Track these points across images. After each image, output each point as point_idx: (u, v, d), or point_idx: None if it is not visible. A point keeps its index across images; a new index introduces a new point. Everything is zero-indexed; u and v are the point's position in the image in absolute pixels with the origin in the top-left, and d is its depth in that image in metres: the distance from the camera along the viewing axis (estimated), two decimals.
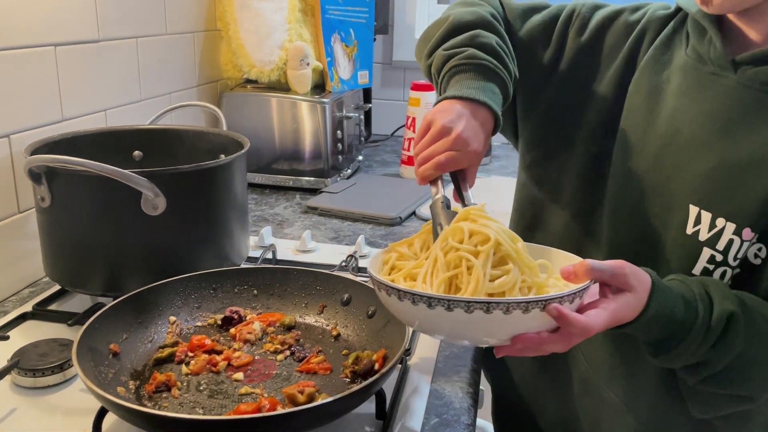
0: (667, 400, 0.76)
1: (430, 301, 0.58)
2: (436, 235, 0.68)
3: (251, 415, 0.60)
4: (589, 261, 0.61)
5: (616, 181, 0.77)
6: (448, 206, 0.71)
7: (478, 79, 0.76)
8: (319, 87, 1.60)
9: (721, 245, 0.68)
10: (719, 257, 0.69)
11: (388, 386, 0.74)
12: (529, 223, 0.90)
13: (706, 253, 0.69)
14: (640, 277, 0.63)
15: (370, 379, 0.62)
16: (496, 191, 1.59)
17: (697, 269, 0.70)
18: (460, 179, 0.74)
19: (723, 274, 0.69)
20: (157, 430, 0.60)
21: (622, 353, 0.79)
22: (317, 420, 0.62)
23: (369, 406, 0.70)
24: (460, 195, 0.74)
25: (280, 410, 0.61)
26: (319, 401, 0.60)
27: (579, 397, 0.85)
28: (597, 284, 0.63)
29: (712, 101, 0.69)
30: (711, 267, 0.69)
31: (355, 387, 0.61)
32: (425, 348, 0.86)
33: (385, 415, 0.70)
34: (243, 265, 0.99)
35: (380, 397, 0.69)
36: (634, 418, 0.78)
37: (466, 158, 0.71)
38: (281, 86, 1.56)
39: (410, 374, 0.80)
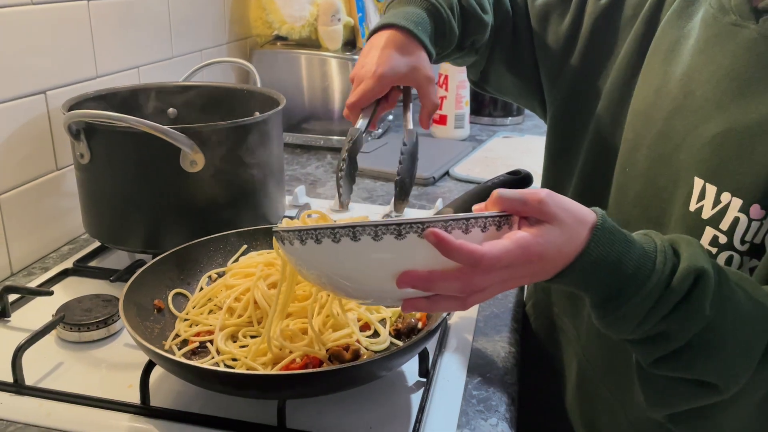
0: None
1: (301, 235, 0.50)
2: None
3: (300, 371, 0.60)
4: (500, 190, 0.51)
5: (624, 151, 0.71)
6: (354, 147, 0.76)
7: (396, 7, 0.78)
8: (350, 43, 1.57)
9: (725, 224, 0.58)
10: (723, 238, 0.58)
11: (430, 345, 0.73)
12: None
13: (709, 233, 0.59)
14: (571, 209, 0.51)
15: (417, 336, 0.62)
16: (530, 152, 1.56)
17: None
18: (404, 106, 0.78)
19: (729, 259, 0.58)
20: (207, 384, 0.60)
21: (618, 347, 0.70)
22: (363, 377, 0.62)
23: (411, 365, 0.70)
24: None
25: (327, 367, 0.61)
26: (366, 359, 0.60)
27: (574, 391, 0.81)
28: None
29: (730, 57, 0.61)
30: (714, 250, 0.58)
31: (402, 344, 0.61)
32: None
33: (428, 373, 0.69)
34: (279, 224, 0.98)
35: (423, 355, 0.69)
36: (626, 416, 0.71)
37: (370, 85, 0.74)
38: (312, 43, 1.53)
39: (451, 333, 0.80)
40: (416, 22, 0.76)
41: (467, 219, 0.48)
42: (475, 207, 0.53)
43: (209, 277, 0.79)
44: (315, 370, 0.60)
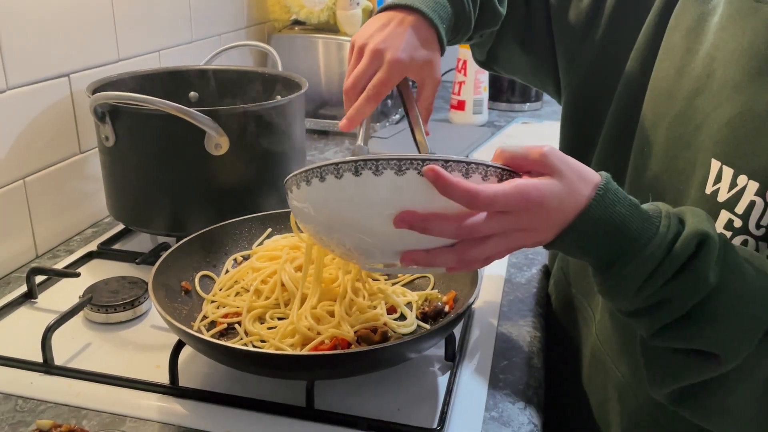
0: None
1: (307, 175, 0.51)
2: None
3: (329, 352, 0.60)
4: (505, 146, 0.51)
5: (641, 131, 0.68)
6: None
7: None
8: None
9: (740, 208, 0.56)
10: (738, 222, 0.56)
11: (456, 329, 0.73)
12: None
13: (724, 216, 0.57)
14: (574, 166, 0.51)
15: (445, 320, 0.62)
16: (548, 138, 1.55)
17: None
18: (409, 111, 0.70)
19: (744, 244, 0.56)
20: (237, 364, 0.60)
21: (630, 330, 0.69)
22: (392, 359, 0.62)
23: (437, 349, 0.70)
24: (414, 139, 0.70)
25: (355, 348, 0.61)
26: (394, 341, 0.59)
27: (588, 371, 0.79)
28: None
29: (750, 35, 0.58)
30: (729, 234, 0.57)
31: (431, 328, 0.61)
32: (490, 292, 0.85)
33: (455, 356, 0.69)
34: None
35: (449, 338, 0.69)
36: (636, 398, 0.69)
37: (387, 74, 0.66)
38: (330, 27, 1.52)
39: (476, 317, 0.79)
40: (441, 16, 0.72)
41: (468, 163, 0.48)
42: None
43: (234, 259, 0.79)
44: (344, 351, 0.60)
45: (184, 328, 0.59)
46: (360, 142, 0.70)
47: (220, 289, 0.73)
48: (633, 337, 0.66)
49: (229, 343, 0.60)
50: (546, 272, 0.94)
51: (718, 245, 0.50)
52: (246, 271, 0.74)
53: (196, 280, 0.75)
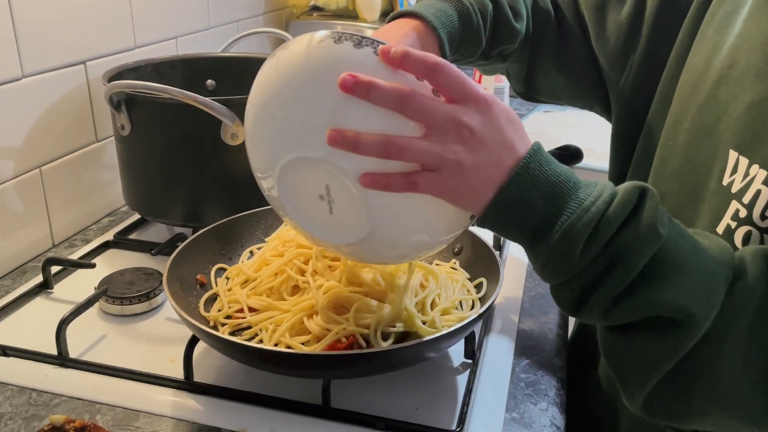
0: None
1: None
2: None
3: (345, 352, 0.58)
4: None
5: (668, 125, 0.66)
6: None
7: None
8: (389, 14, 1.53)
9: (747, 197, 0.53)
10: (743, 212, 0.53)
11: (475, 326, 0.71)
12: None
13: (733, 207, 0.54)
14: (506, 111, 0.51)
15: (467, 319, 0.60)
16: (571, 126, 1.52)
17: (720, 227, 0.55)
18: None
19: (747, 235, 0.53)
20: (251, 362, 0.59)
21: None
22: (410, 359, 0.60)
23: (457, 346, 0.68)
24: None
25: (376, 348, 0.59)
26: (416, 340, 0.58)
27: (602, 367, 0.76)
28: None
29: None
30: (733, 225, 0.54)
31: (451, 326, 0.59)
32: (511, 287, 0.83)
33: (474, 354, 0.68)
34: None
35: (469, 336, 0.67)
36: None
37: None
38: (348, 13, 1.50)
39: (496, 313, 0.77)
40: (444, 22, 0.71)
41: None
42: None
43: (251, 252, 0.78)
44: (361, 351, 0.59)
45: (198, 324, 0.58)
46: None
47: (231, 279, 0.72)
48: None
49: (243, 341, 0.59)
50: None
51: (657, 201, 0.48)
52: (260, 266, 0.72)
53: (212, 273, 0.73)
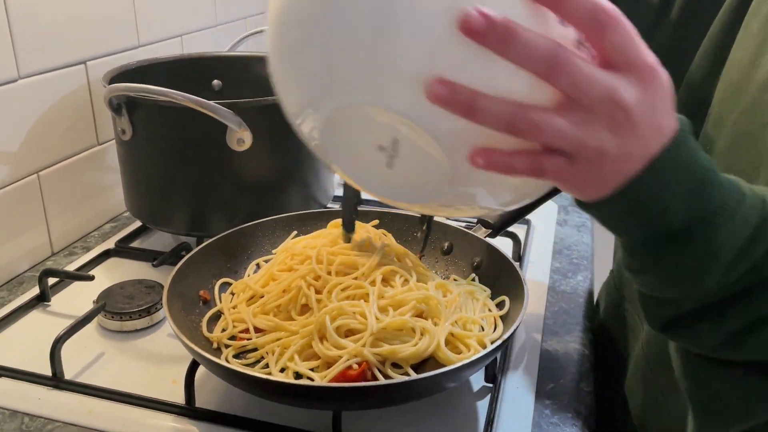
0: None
1: None
2: None
3: (357, 384, 0.54)
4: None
5: (708, 127, 0.60)
6: None
7: None
8: None
9: None
10: None
11: None
12: None
13: None
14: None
15: (493, 345, 0.55)
16: None
17: None
18: None
19: None
20: (257, 393, 0.55)
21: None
22: (427, 390, 0.56)
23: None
24: None
25: (394, 379, 0.54)
26: (437, 370, 0.53)
27: (630, 386, 0.71)
28: None
29: None
30: None
31: (475, 354, 0.54)
32: (532, 302, 0.78)
33: (495, 378, 0.63)
34: (329, 206, 0.92)
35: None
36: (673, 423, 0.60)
37: None
38: None
39: (518, 332, 0.73)
40: None
41: None
42: None
43: (257, 264, 0.74)
44: (374, 383, 0.54)
45: (200, 351, 0.54)
46: None
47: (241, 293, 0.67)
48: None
49: (247, 369, 0.55)
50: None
51: None
52: (267, 281, 0.67)
53: (216, 288, 0.69)
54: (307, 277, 0.63)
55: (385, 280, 0.63)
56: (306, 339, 0.58)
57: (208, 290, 0.68)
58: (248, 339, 0.62)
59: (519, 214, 0.75)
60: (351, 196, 0.69)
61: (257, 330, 0.63)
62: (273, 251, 0.73)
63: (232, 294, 0.69)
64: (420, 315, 0.60)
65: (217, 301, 0.68)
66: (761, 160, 0.52)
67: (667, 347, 0.62)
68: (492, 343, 0.59)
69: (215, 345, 0.63)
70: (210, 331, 0.64)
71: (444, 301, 0.62)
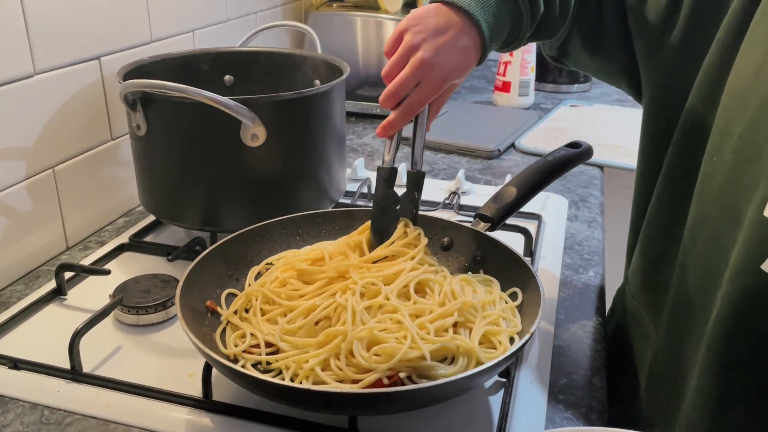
0: None
1: None
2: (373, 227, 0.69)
3: (373, 390, 0.54)
4: None
5: (714, 138, 0.59)
6: (391, 183, 0.69)
7: None
8: (411, 5, 1.48)
9: None
10: None
11: None
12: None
13: None
14: None
15: (510, 350, 0.55)
16: (599, 122, 1.46)
17: (766, 265, 0.50)
18: (418, 121, 0.68)
19: None
20: (273, 398, 0.55)
21: (694, 357, 0.60)
22: (444, 396, 0.56)
23: None
24: (412, 147, 0.69)
25: (405, 387, 0.54)
26: (455, 376, 0.53)
27: (644, 391, 0.72)
28: None
29: None
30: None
31: (495, 358, 0.54)
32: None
33: (509, 373, 0.64)
34: (340, 201, 0.93)
35: None
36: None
37: (428, 93, 0.64)
38: (369, 4, 1.45)
39: None
40: (495, 32, 0.65)
41: None
42: None
43: (259, 273, 0.72)
44: (391, 389, 0.54)
45: (219, 357, 0.54)
46: (386, 157, 0.69)
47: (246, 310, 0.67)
48: (693, 367, 0.58)
49: (263, 376, 0.55)
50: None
51: None
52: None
53: (222, 299, 0.68)
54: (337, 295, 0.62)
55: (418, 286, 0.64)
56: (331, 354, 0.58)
57: (214, 299, 0.67)
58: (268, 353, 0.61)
59: (514, 206, 0.75)
60: (384, 204, 0.70)
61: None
62: (268, 259, 0.73)
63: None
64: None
65: (226, 310, 0.67)
66: (761, 174, 0.52)
67: (679, 356, 0.62)
68: (520, 337, 0.59)
69: (231, 354, 0.62)
70: (222, 338, 0.64)
71: (478, 303, 0.62)
